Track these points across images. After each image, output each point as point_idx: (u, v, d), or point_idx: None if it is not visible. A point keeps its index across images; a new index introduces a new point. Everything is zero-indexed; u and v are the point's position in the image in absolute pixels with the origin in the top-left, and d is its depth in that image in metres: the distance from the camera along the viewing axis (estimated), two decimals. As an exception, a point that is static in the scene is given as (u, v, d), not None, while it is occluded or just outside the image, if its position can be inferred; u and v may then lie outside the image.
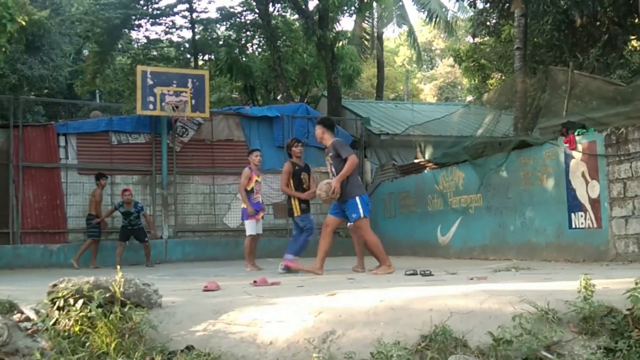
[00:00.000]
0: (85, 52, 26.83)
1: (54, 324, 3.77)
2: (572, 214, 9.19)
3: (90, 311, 3.71)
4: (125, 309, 3.80)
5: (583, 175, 8.98)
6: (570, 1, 13.15)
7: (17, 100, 14.23)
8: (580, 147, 9.04)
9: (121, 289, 3.88)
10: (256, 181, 10.19)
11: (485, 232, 11.25)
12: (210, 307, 4.14)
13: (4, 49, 11.98)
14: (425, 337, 3.51)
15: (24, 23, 12.39)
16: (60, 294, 3.86)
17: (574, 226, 9.17)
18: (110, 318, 3.70)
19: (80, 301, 3.78)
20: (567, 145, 9.22)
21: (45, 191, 13.34)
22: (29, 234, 13.10)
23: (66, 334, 3.69)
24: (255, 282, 6.39)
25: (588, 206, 8.88)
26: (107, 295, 3.85)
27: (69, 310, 3.77)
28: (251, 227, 10.19)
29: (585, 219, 8.95)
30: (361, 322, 3.72)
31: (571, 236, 9.25)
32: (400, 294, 4.30)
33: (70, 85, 25.91)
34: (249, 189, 10.07)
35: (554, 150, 9.59)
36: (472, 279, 6.18)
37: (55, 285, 3.98)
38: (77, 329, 3.68)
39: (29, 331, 3.79)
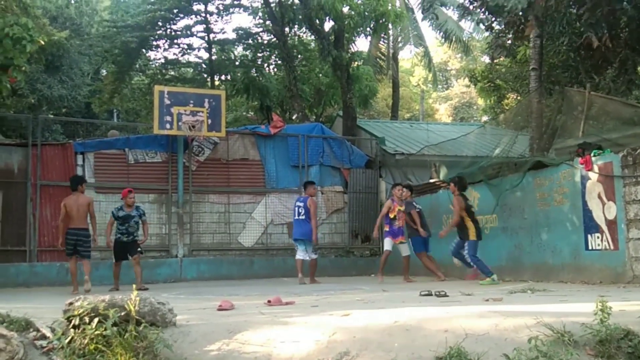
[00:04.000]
0: (104, 71, 27.17)
1: (70, 342, 3.79)
2: (589, 236, 9.12)
3: (105, 330, 3.73)
4: (140, 328, 3.82)
5: (599, 196, 8.93)
6: (585, 23, 13.14)
7: (36, 120, 14.39)
8: (596, 168, 9.00)
9: (136, 307, 3.90)
10: (398, 210, 11.82)
11: (501, 253, 11.17)
12: (224, 327, 4.15)
13: (23, 69, 12.15)
14: (440, 358, 3.50)
15: (43, 43, 12.57)
16: (76, 312, 3.89)
17: (590, 248, 9.10)
18: (125, 337, 3.72)
19: (96, 320, 3.80)
20: (583, 166, 9.18)
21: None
22: (46, 252, 13.16)
23: (81, 352, 3.71)
24: (269, 301, 6.39)
25: (604, 227, 8.82)
26: (123, 313, 3.87)
27: (84, 329, 3.79)
28: (388, 244, 11.91)
29: (601, 240, 8.87)
30: (375, 342, 3.70)
31: (588, 258, 9.17)
32: (415, 315, 4.28)
33: (89, 105, 26.21)
34: (391, 216, 11.78)
35: (570, 171, 9.55)
36: (487, 300, 6.15)
37: (71, 304, 4.01)
38: (92, 347, 3.70)
39: (45, 349, 3.81)
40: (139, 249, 11.27)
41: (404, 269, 11.90)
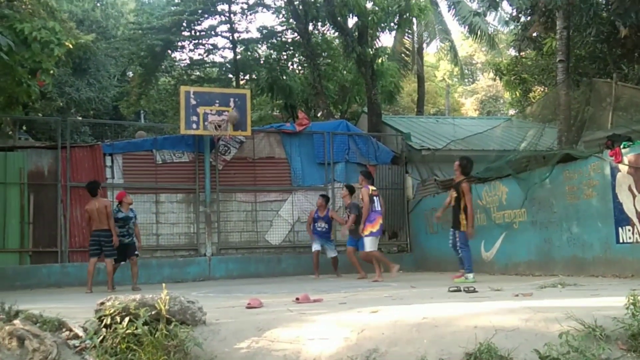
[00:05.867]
0: (130, 73, 27.45)
1: (102, 341, 3.84)
2: (620, 229, 8.99)
3: (136, 329, 3.77)
4: (171, 327, 3.85)
5: (630, 188, 8.80)
6: (613, 12, 12.95)
7: (65, 122, 14.56)
8: (626, 160, 8.87)
9: (166, 306, 3.93)
10: None
11: (530, 248, 11.07)
12: (253, 325, 4.17)
13: (51, 72, 12.30)
14: (470, 355, 3.48)
15: (70, 46, 12.71)
16: (107, 312, 3.94)
17: (621, 241, 8.97)
18: (156, 335, 3.75)
19: (127, 319, 3.84)
20: (613, 158, 9.05)
21: (92, 210, 13.60)
22: (77, 253, 13.33)
23: (113, 351, 3.76)
24: (297, 299, 6.41)
25: (635, 220, 8.69)
26: (153, 312, 3.91)
27: (116, 328, 3.84)
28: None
29: (633, 233, 8.75)
30: (404, 339, 3.70)
31: (619, 251, 9.05)
32: (444, 311, 4.27)
33: (116, 106, 26.52)
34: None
35: (599, 163, 9.43)
36: (517, 295, 6.10)
37: (102, 303, 4.06)
38: (123, 346, 3.75)
39: (77, 348, 3.86)
40: (136, 252, 11.60)
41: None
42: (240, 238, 14.86)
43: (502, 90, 34.55)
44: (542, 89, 20.36)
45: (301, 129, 15.54)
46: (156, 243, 14.05)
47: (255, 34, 24.79)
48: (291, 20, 21.93)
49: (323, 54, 23.01)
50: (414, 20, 21.27)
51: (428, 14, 19.36)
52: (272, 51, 25.06)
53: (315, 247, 13.26)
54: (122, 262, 11.60)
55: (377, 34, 20.45)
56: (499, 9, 16.92)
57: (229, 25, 24.27)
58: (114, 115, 26.94)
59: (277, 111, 27.26)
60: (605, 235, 9.29)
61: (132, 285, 11.24)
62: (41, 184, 13.42)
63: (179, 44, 24.59)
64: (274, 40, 24.40)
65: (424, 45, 27.83)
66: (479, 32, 24.22)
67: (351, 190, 13.02)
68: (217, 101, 13.99)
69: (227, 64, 25.68)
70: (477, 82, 45.60)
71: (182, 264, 13.85)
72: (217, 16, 24.13)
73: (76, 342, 3.92)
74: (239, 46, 24.67)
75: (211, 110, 13.82)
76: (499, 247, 12.01)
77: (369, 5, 17.65)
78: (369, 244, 11.20)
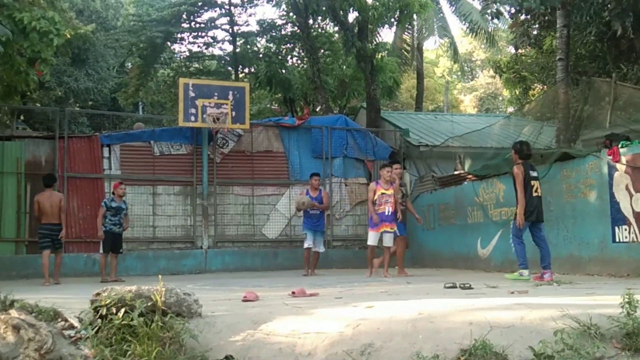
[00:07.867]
0: (129, 64, 27.43)
1: (97, 332, 3.84)
2: (616, 228, 9.01)
3: (132, 320, 3.77)
4: (166, 318, 3.85)
5: (627, 188, 8.82)
6: (612, 12, 12.95)
7: (63, 112, 14.56)
8: (624, 159, 8.89)
9: (162, 298, 3.93)
10: (382, 193, 10.67)
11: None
12: (249, 318, 4.17)
13: (50, 62, 12.28)
14: (465, 351, 3.48)
15: (69, 36, 12.68)
16: (103, 303, 3.93)
17: (617, 240, 8.99)
18: (151, 327, 3.75)
19: (123, 310, 3.84)
20: (611, 157, 9.07)
21: (89, 201, 13.58)
22: (73, 243, 13.30)
23: (108, 342, 3.76)
24: (293, 293, 6.41)
25: (632, 220, 8.71)
26: (149, 304, 3.90)
27: (111, 319, 3.83)
28: (371, 238, 10.86)
29: (629, 232, 8.77)
30: (400, 334, 3.70)
31: (615, 250, 9.07)
32: (440, 307, 4.27)
33: (114, 97, 26.48)
34: (374, 199, 10.73)
35: (597, 162, 9.44)
36: (513, 292, 6.11)
37: (98, 294, 4.05)
38: (119, 337, 3.75)
39: (73, 339, 3.86)
40: (121, 250, 11.82)
41: (383, 261, 10.87)
42: (237, 231, 14.87)
43: (501, 88, 34.51)
44: (542, 87, 20.34)
45: (300, 123, 15.55)
46: (153, 235, 14.05)
47: (255, 27, 24.78)
48: (291, 14, 21.88)
49: (323, 47, 22.97)
50: (415, 16, 21.24)
51: (428, 10, 19.34)
52: (271, 44, 25.01)
53: (308, 243, 12.11)
54: (121, 252, 11.76)
55: (377, 29, 20.42)
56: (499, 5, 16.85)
57: (228, 18, 24.22)
58: (112, 106, 26.91)
59: (276, 105, 27.23)
60: (601, 234, 9.32)
61: (111, 278, 11.17)
62: (38, 174, 13.34)
63: (179, 36, 24.55)
64: (274, 34, 24.35)
65: (424, 41, 27.80)
66: (478, 30, 24.22)
67: None
68: (216, 94, 13.97)
69: (226, 57, 25.64)
70: (477, 80, 45.58)
71: (178, 256, 13.85)
72: (217, 9, 24.09)
73: (71, 333, 3.91)
74: (238, 39, 24.62)
75: (210, 102, 13.80)
76: (496, 244, 12.03)
77: (369, 0, 17.62)
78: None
